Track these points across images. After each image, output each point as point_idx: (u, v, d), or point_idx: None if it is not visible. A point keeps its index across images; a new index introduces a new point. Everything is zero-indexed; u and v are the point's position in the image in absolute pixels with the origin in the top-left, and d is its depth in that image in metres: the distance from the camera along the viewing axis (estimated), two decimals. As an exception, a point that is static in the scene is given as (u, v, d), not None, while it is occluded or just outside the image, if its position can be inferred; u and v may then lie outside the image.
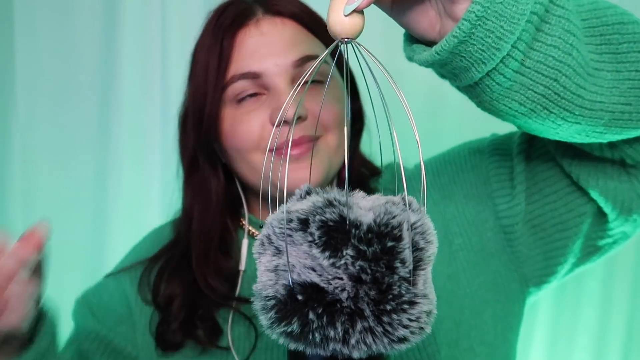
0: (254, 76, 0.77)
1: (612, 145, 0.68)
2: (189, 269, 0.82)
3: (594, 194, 0.74)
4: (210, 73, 0.78)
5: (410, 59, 0.62)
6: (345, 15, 0.53)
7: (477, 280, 0.81)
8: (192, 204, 0.85)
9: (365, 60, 0.55)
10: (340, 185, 0.85)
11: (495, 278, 0.81)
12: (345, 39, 0.54)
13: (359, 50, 0.55)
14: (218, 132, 0.80)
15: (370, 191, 0.79)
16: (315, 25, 0.81)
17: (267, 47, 0.78)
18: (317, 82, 0.79)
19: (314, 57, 0.78)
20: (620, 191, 0.73)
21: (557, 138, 0.66)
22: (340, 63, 0.82)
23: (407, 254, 0.51)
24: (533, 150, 0.79)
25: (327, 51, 0.56)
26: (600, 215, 0.76)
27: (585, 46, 0.60)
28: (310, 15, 0.82)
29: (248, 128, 0.78)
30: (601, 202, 0.74)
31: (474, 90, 0.60)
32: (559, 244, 0.79)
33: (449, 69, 0.59)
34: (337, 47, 0.55)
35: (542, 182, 0.78)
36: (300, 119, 0.76)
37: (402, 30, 0.63)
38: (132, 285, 0.86)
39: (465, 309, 0.80)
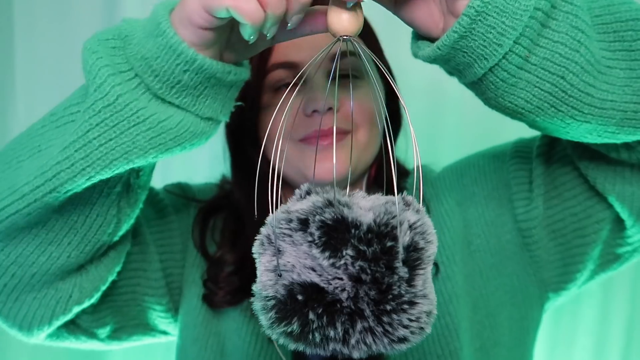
0: (291, 66, 0.78)
1: (628, 146, 0.67)
2: (241, 240, 0.83)
3: (612, 199, 0.73)
4: (253, 59, 0.78)
5: (415, 55, 0.63)
6: (348, 9, 0.54)
7: (493, 282, 0.81)
8: (240, 185, 0.86)
9: (361, 57, 0.56)
10: (370, 183, 0.86)
11: (512, 281, 0.81)
12: (344, 36, 0.55)
13: (358, 47, 0.55)
14: (256, 118, 0.81)
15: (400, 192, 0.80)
16: None
17: (305, 39, 0.78)
18: (355, 77, 0.79)
19: (352, 53, 0.78)
20: (637, 197, 0.71)
21: (568, 137, 0.65)
22: (383, 61, 0.81)
23: (407, 254, 0.51)
24: (553, 153, 0.78)
25: (326, 48, 0.56)
26: (619, 221, 0.75)
27: (596, 43, 0.59)
28: None
29: (280, 116, 0.78)
30: (618, 207, 0.73)
31: (479, 87, 0.60)
32: (577, 250, 0.78)
33: (452, 65, 0.59)
34: (336, 44, 0.55)
35: (562, 187, 0.77)
36: (331, 110, 0.76)
37: (404, 28, 0.63)
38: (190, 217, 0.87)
39: (480, 309, 0.80)
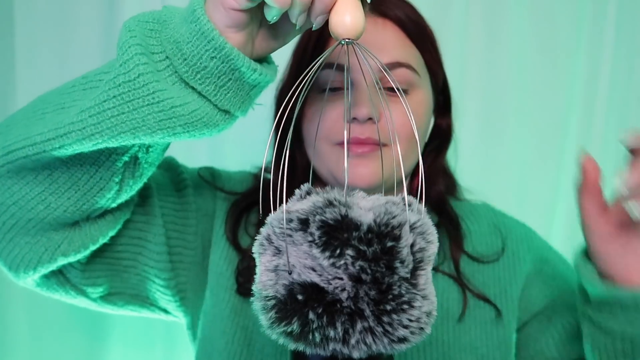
0: (341, 69, 0.78)
1: None
2: None
3: None
4: (305, 57, 0.79)
5: (582, 277, 0.70)
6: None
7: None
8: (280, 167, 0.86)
9: (366, 61, 0.56)
10: (413, 194, 0.87)
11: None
12: (347, 40, 0.55)
13: (360, 51, 0.55)
14: (302, 113, 0.82)
15: (454, 223, 0.85)
16: (417, 34, 0.81)
17: (367, 45, 0.78)
18: (403, 90, 0.79)
19: (405, 65, 0.78)
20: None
21: None
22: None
23: (406, 254, 0.51)
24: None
25: (328, 51, 0.56)
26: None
27: None
28: (415, 23, 0.81)
29: (322, 117, 0.79)
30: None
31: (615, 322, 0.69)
32: None
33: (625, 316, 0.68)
34: (338, 47, 0.56)
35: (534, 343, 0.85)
36: (371, 120, 0.76)
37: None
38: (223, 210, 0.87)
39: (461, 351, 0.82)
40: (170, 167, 0.87)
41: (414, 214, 0.53)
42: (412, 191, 0.88)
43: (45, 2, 1.11)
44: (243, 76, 0.62)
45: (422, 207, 0.55)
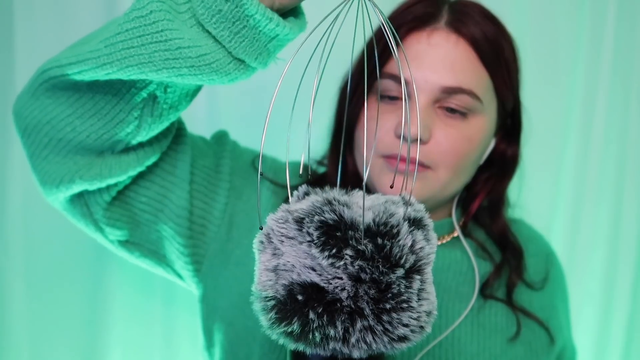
0: (401, 81, 0.77)
1: None
2: None
3: None
4: (370, 60, 0.77)
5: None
6: None
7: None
8: (333, 163, 0.86)
9: (370, 17, 0.55)
10: (467, 220, 0.87)
11: None
12: None
13: (373, 10, 0.54)
14: (356, 114, 0.81)
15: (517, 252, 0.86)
16: (491, 57, 0.78)
17: (426, 60, 0.76)
18: (461, 114, 0.78)
19: (467, 92, 0.76)
20: None
21: None
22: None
23: (405, 253, 0.51)
24: None
25: (339, 5, 0.55)
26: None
27: None
28: (491, 44, 0.78)
29: (373, 127, 0.77)
30: None
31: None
32: None
33: None
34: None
35: None
36: (420, 140, 0.75)
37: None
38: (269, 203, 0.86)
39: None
40: (219, 140, 0.87)
41: (413, 213, 0.53)
42: (469, 215, 0.87)
43: (45, 2, 1.11)
44: (258, 25, 0.62)
45: (422, 206, 0.55)
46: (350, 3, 0.54)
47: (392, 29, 0.55)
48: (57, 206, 0.79)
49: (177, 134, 0.80)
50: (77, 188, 0.74)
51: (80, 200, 0.77)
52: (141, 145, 0.74)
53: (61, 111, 0.71)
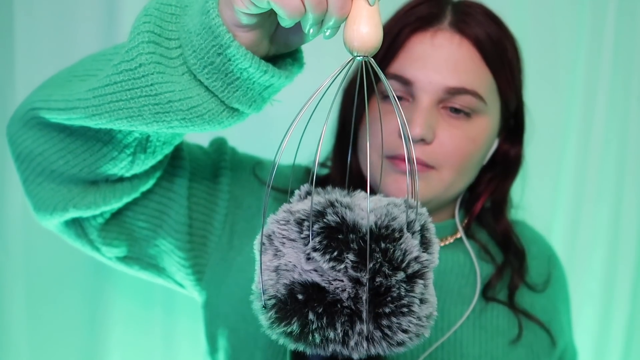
0: (405, 82, 0.76)
1: None
2: None
3: None
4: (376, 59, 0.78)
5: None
6: (371, 5, 0.50)
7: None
8: (336, 165, 0.86)
9: (372, 78, 0.54)
10: (470, 220, 0.87)
11: None
12: (360, 56, 0.51)
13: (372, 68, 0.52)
14: (359, 115, 0.81)
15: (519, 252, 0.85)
16: (494, 57, 0.78)
17: (430, 61, 0.76)
18: (465, 114, 0.77)
19: (471, 92, 0.76)
20: None
21: None
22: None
23: (406, 256, 0.50)
24: None
25: (340, 68, 0.52)
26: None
27: None
28: (494, 45, 0.78)
29: (377, 127, 0.78)
30: None
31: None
32: None
33: None
34: (350, 63, 0.52)
35: None
36: (424, 141, 0.75)
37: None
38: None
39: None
40: (217, 149, 0.85)
41: (415, 216, 0.53)
42: (473, 215, 0.87)
43: (45, 2, 1.11)
44: (252, 77, 0.58)
45: (424, 209, 0.54)
46: (350, 64, 0.52)
47: (393, 93, 0.53)
48: (51, 229, 0.78)
49: (173, 155, 0.79)
50: (70, 215, 0.73)
51: (74, 222, 0.76)
52: (136, 175, 0.73)
53: (53, 144, 0.70)
